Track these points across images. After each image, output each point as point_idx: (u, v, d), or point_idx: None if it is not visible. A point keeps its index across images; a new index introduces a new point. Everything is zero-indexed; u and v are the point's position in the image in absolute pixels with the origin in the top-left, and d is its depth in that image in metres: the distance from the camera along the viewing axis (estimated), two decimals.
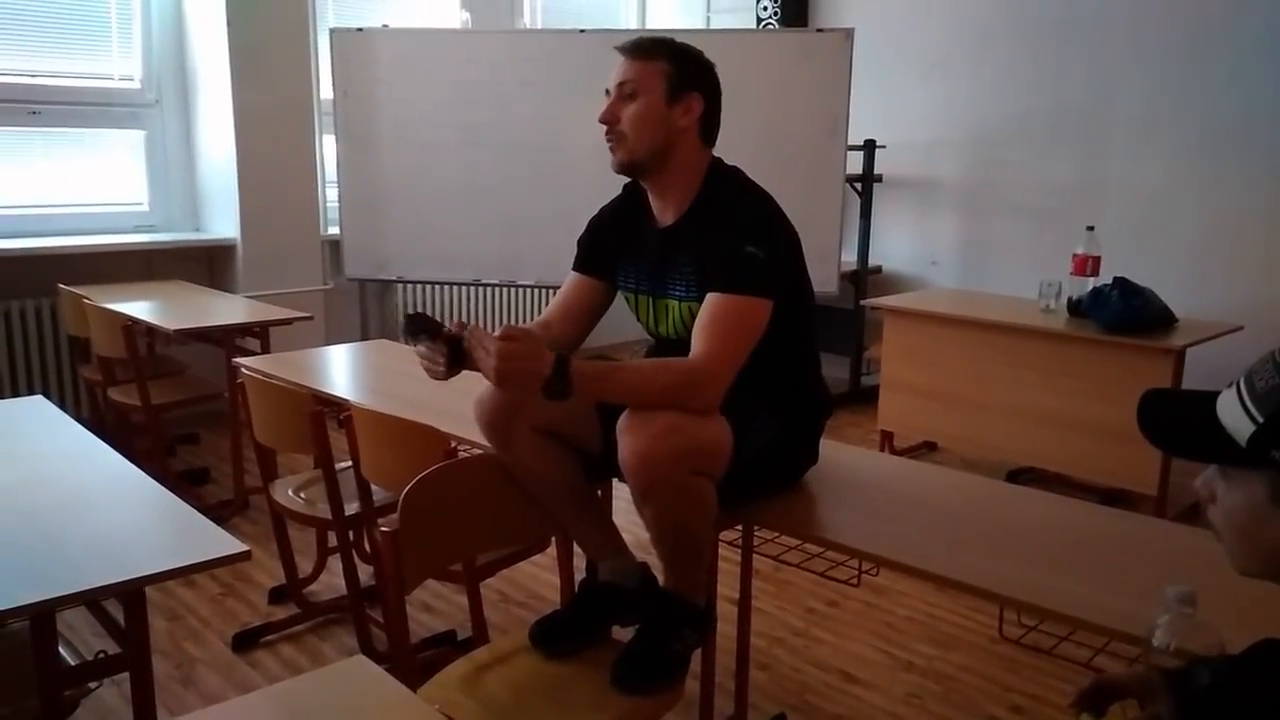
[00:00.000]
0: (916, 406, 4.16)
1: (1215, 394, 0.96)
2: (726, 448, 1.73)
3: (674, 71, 1.85)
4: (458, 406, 2.19)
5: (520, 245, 4.82)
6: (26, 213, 4.39)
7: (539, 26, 5.84)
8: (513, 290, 5.63)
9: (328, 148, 4.95)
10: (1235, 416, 0.91)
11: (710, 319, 1.76)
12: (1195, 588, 1.14)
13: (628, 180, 2.00)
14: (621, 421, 1.68)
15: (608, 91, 1.88)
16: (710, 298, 1.78)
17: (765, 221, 1.85)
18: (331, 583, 2.99)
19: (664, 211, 1.94)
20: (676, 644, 1.79)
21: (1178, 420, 1.00)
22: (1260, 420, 0.89)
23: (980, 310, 4.03)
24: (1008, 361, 3.83)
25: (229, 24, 4.43)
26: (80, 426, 2.25)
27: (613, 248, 2.03)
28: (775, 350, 1.84)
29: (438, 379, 1.78)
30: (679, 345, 1.85)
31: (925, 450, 4.49)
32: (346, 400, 2.52)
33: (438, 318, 1.76)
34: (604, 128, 1.87)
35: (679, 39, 1.92)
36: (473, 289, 5.51)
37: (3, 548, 1.57)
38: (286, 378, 2.69)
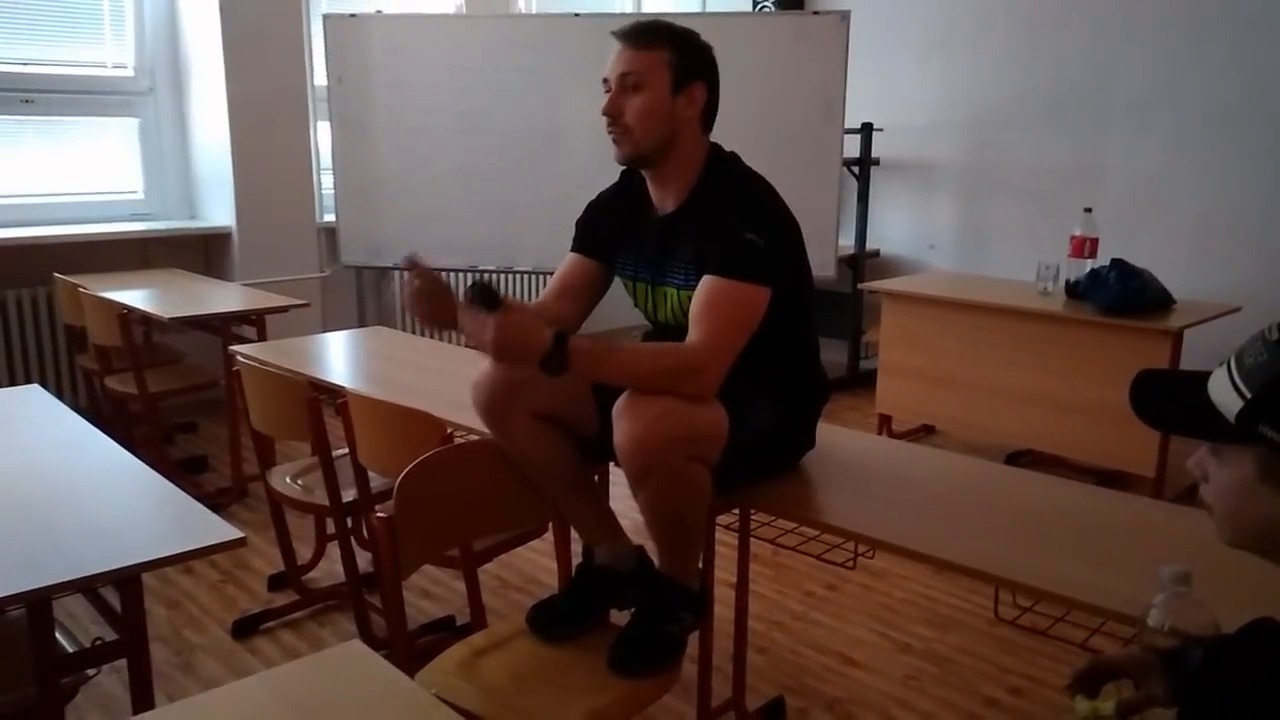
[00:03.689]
0: (915, 390, 4.16)
1: (1207, 374, 0.96)
2: (722, 433, 1.73)
3: (677, 61, 1.82)
4: (454, 392, 2.20)
5: (517, 230, 4.81)
6: (21, 202, 4.38)
7: (534, 11, 5.81)
8: (510, 276, 5.62)
9: (322, 134, 4.93)
10: (1225, 393, 0.92)
11: (707, 304, 1.75)
12: (1190, 568, 1.14)
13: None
14: (617, 406, 1.68)
15: (606, 81, 1.85)
16: (707, 280, 1.77)
17: (766, 209, 1.84)
18: (330, 569, 2.99)
19: (663, 199, 1.93)
20: (673, 627, 1.79)
21: (1170, 399, 1.00)
22: (1248, 396, 0.89)
23: (978, 293, 4.03)
24: (1006, 344, 3.82)
25: (222, 10, 4.41)
26: (77, 415, 2.24)
27: (611, 233, 2.02)
28: (775, 337, 1.83)
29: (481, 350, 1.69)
30: (676, 332, 1.84)
31: (924, 433, 4.49)
32: (342, 387, 2.51)
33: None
34: (604, 117, 1.84)
35: (676, 22, 1.91)
36: (470, 275, 5.49)
37: None
38: (283, 365, 2.69)
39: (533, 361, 1.62)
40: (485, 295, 1.63)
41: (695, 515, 1.77)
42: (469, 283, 1.68)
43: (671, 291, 1.92)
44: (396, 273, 5.19)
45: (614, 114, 1.83)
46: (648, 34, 1.84)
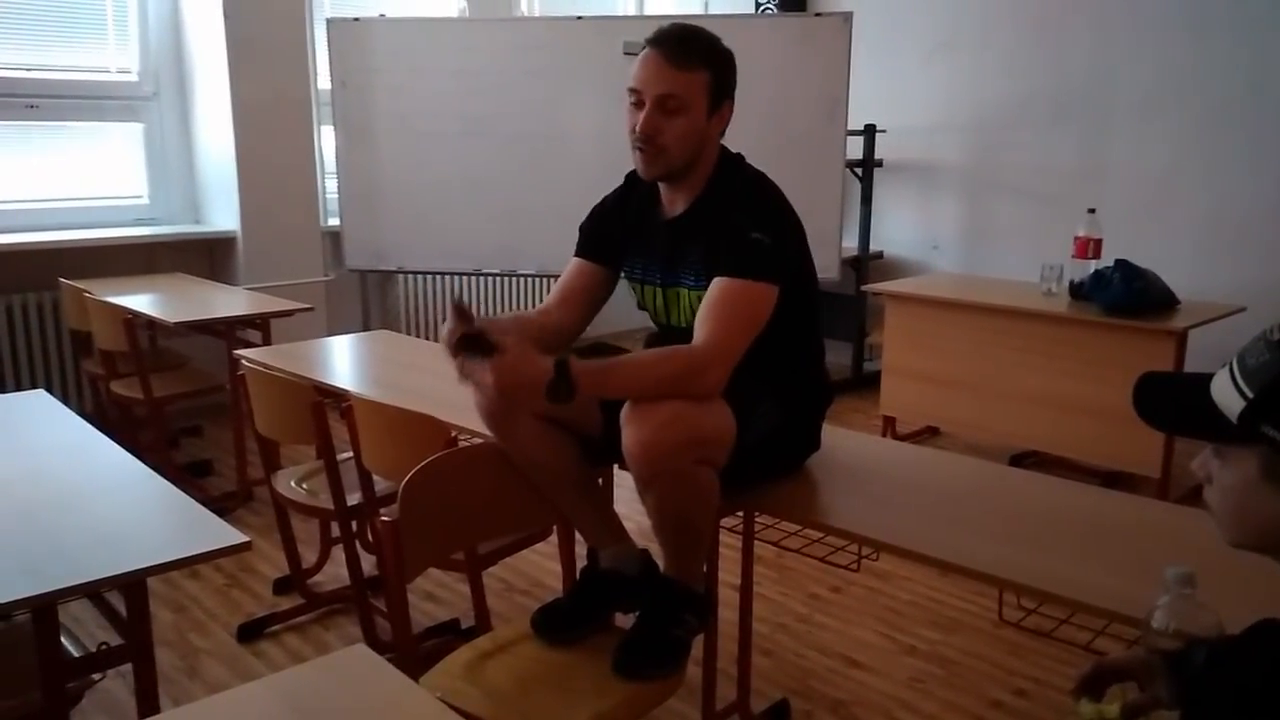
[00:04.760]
0: (919, 392, 4.15)
1: (1210, 375, 0.96)
2: (730, 436, 1.73)
3: (714, 82, 1.81)
4: (458, 396, 2.19)
5: (521, 234, 4.81)
6: (26, 207, 4.40)
7: (536, 14, 5.82)
8: (514, 280, 5.63)
9: (326, 138, 4.94)
10: (1227, 394, 0.92)
11: (714, 304, 1.76)
12: (1195, 569, 1.14)
13: (631, 170, 1.99)
14: (625, 411, 1.68)
15: (636, 91, 1.80)
16: (715, 283, 1.78)
17: (770, 209, 1.84)
18: (335, 573, 3.00)
19: (673, 202, 1.94)
20: (678, 630, 1.79)
21: (1173, 401, 1.00)
22: (1250, 396, 0.89)
23: (982, 294, 4.02)
24: (1010, 345, 3.82)
25: (226, 16, 4.42)
26: (82, 420, 2.25)
27: (618, 237, 2.02)
28: (780, 338, 1.83)
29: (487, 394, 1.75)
30: (688, 334, 1.83)
31: (928, 435, 4.48)
32: (347, 391, 2.52)
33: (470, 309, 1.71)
34: (632, 133, 1.81)
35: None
36: (473, 279, 5.51)
37: (5, 541, 1.57)
38: (287, 369, 2.70)
39: (538, 394, 1.62)
40: (477, 344, 1.65)
41: (703, 518, 1.77)
42: (462, 335, 1.69)
43: (684, 292, 1.92)
44: (401, 276, 5.20)
45: (650, 134, 1.80)
46: (689, 52, 1.79)
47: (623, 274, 2.05)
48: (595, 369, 1.67)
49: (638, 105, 1.81)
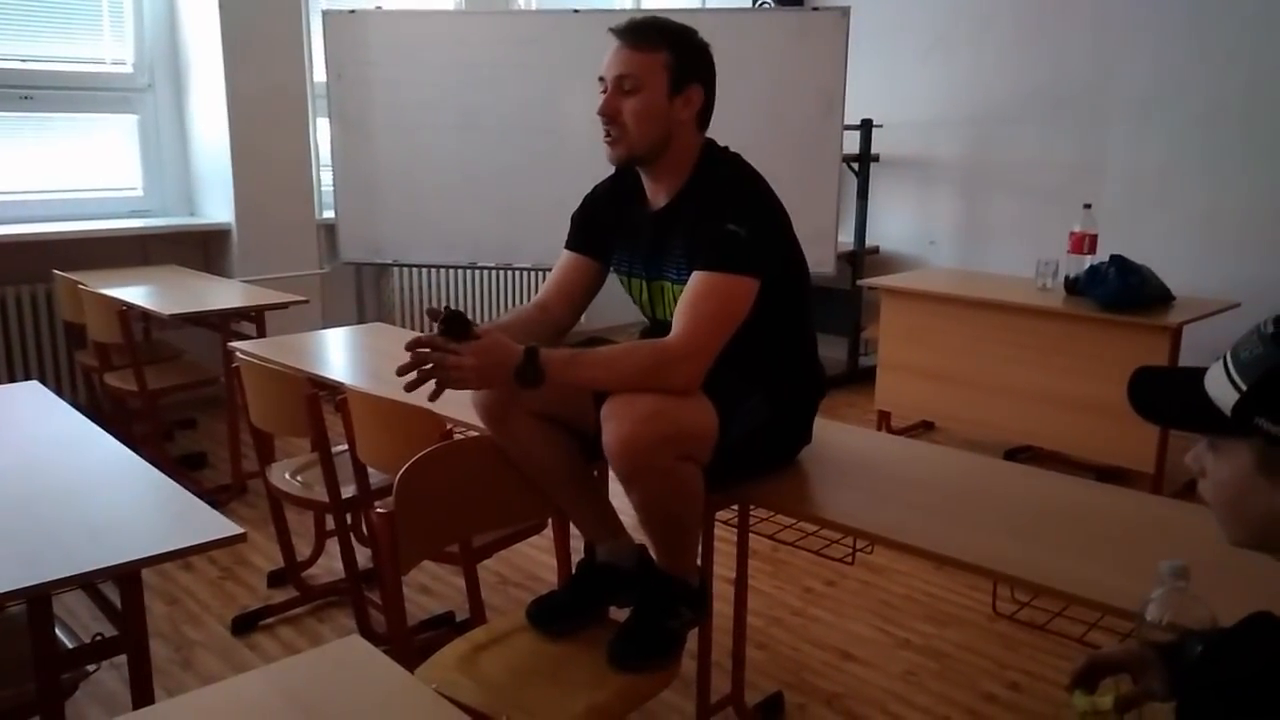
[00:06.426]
0: (914, 386, 4.16)
1: (1204, 369, 0.96)
2: (711, 431, 1.73)
3: (675, 63, 1.81)
4: (452, 390, 2.19)
5: (516, 227, 4.81)
6: (20, 198, 4.38)
7: (533, 7, 5.80)
8: (509, 273, 5.62)
9: (322, 131, 4.92)
10: (1221, 387, 0.92)
11: (690, 298, 1.76)
12: (1188, 562, 1.15)
13: None
14: (605, 407, 1.68)
15: (602, 79, 1.84)
16: (693, 277, 1.78)
17: (748, 200, 1.83)
18: (330, 565, 3.00)
19: (656, 194, 1.93)
20: (672, 622, 1.79)
21: (1168, 394, 1.01)
22: (1244, 389, 0.89)
23: (978, 289, 4.03)
24: (1005, 340, 3.83)
25: (221, 7, 4.40)
26: (76, 412, 2.24)
27: (606, 228, 2.02)
28: (768, 330, 1.83)
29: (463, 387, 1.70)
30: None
31: (923, 430, 4.49)
32: (342, 383, 2.51)
33: (451, 304, 1.71)
34: (599, 117, 1.84)
35: (674, 18, 1.90)
36: (469, 272, 5.50)
37: None
38: (282, 362, 2.69)
39: (508, 378, 1.64)
40: (459, 323, 1.65)
41: (688, 513, 1.77)
42: (437, 314, 1.68)
43: (668, 286, 1.92)
44: (396, 269, 5.19)
45: (610, 115, 1.83)
46: (646, 34, 1.82)
47: (610, 267, 2.05)
48: (564, 357, 1.68)
49: (603, 93, 1.85)
